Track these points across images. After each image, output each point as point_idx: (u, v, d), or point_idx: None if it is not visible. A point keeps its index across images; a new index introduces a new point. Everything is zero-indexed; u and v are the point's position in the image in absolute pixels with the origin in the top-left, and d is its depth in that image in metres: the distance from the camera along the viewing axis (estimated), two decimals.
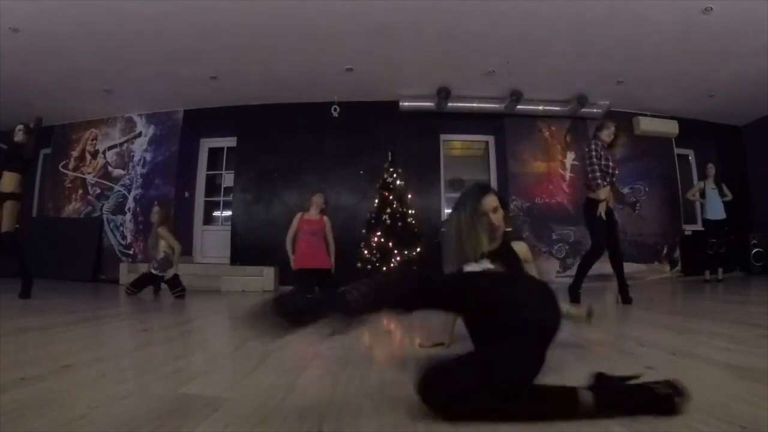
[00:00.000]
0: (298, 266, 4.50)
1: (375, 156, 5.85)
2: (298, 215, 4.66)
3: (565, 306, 1.81)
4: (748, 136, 7.17)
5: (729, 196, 5.75)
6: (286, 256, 4.60)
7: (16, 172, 3.93)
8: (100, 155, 7.14)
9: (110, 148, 7.12)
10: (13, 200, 3.88)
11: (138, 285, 4.60)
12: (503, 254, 1.72)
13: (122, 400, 1.07)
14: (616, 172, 3.57)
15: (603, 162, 3.48)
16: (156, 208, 4.88)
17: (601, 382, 1.09)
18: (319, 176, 6.24)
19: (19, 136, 3.94)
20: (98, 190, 7.08)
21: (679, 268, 6.58)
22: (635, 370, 1.45)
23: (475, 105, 6.31)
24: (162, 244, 4.67)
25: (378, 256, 5.08)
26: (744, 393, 1.20)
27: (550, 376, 1.41)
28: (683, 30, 4.51)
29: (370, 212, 5.29)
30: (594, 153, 3.49)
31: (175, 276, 4.64)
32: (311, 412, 1.05)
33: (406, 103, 6.27)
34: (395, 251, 5.06)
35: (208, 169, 7.19)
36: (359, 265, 5.07)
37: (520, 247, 1.91)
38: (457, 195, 6.97)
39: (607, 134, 3.60)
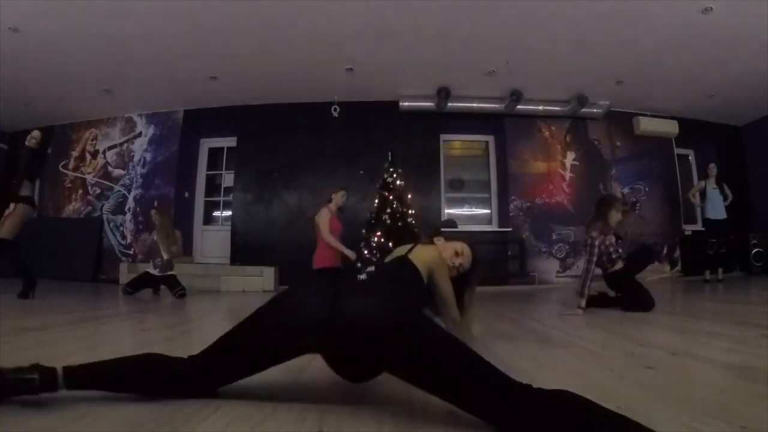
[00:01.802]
0: (321, 266, 4.27)
1: (375, 156, 5.84)
2: (327, 212, 4.32)
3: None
4: (748, 136, 7.17)
5: (730, 197, 5.75)
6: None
7: (24, 176, 3.98)
8: (100, 155, 7.15)
9: (110, 148, 7.13)
10: (20, 202, 3.86)
11: (135, 285, 4.60)
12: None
13: (122, 400, 1.07)
14: (620, 250, 3.31)
15: (604, 249, 3.23)
16: (155, 211, 4.92)
17: None
18: (319, 176, 6.24)
19: (31, 143, 4.02)
20: (98, 190, 7.08)
21: (679, 268, 6.58)
22: (635, 370, 1.46)
23: (475, 105, 6.31)
24: (164, 245, 4.69)
25: (378, 256, 5.08)
26: (744, 393, 1.20)
27: (547, 375, 1.41)
28: (683, 30, 4.51)
29: (370, 212, 5.28)
30: (595, 250, 3.16)
31: (173, 276, 4.65)
32: (311, 412, 1.05)
33: (406, 103, 6.27)
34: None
35: (208, 169, 7.20)
36: (359, 265, 5.07)
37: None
38: (457, 195, 7.00)
39: (615, 220, 3.28)
